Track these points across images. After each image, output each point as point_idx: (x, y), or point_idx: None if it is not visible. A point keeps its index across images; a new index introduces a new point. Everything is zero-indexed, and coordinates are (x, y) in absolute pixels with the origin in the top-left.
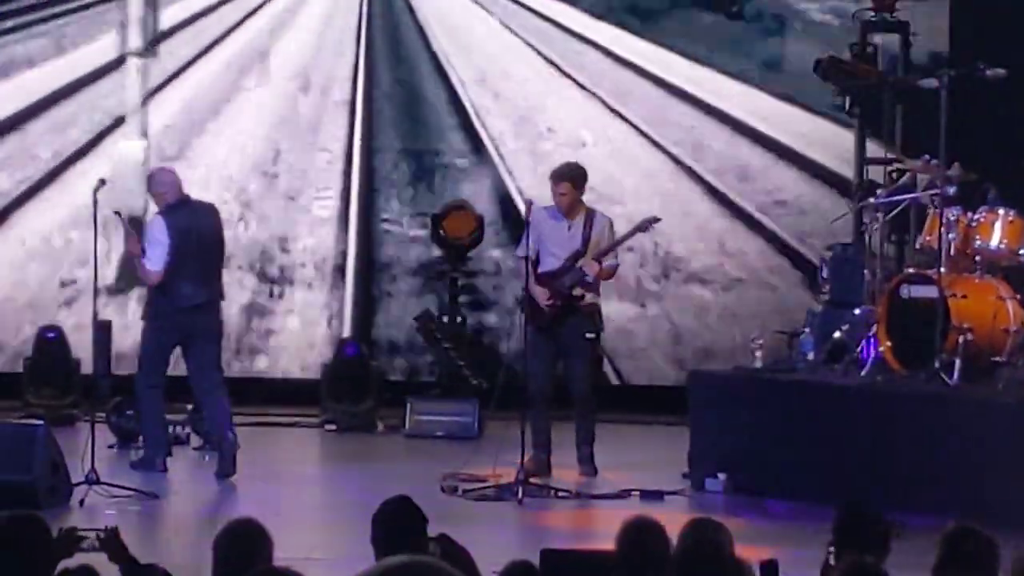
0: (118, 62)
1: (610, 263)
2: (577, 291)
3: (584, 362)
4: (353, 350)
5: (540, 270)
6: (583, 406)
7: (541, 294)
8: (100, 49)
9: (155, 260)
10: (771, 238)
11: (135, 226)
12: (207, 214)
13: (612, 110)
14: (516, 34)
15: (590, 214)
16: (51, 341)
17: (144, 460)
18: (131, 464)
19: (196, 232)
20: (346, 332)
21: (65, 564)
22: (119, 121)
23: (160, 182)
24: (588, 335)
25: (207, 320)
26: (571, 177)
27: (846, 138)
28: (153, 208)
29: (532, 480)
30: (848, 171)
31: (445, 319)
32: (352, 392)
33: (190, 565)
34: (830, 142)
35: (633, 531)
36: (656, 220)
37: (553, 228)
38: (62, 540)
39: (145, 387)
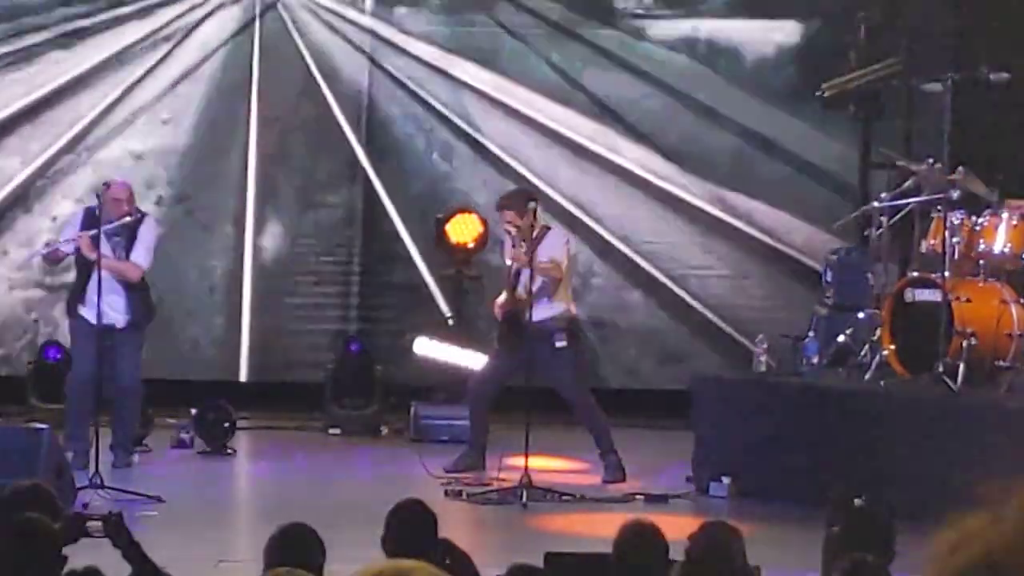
0: None
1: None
2: (538, 315)
3: (564, 371)
4: (357, 355)
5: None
6: (582, 414)
7: (500, 303)
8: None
9: (148, 259)
10: (772, 244)
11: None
12: None
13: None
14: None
15: (543, 230)
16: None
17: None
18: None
19: None
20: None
21: (71, 566)
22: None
23: (127, 189)
24: (559, 344)
25: None
26: (510, 206)
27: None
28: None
29: (465, 476)
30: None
31: (450, 322)
32: (356, 396)
33: (192, 567)
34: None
35: (630, 534)
36: None
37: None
38: (69, 525)
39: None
